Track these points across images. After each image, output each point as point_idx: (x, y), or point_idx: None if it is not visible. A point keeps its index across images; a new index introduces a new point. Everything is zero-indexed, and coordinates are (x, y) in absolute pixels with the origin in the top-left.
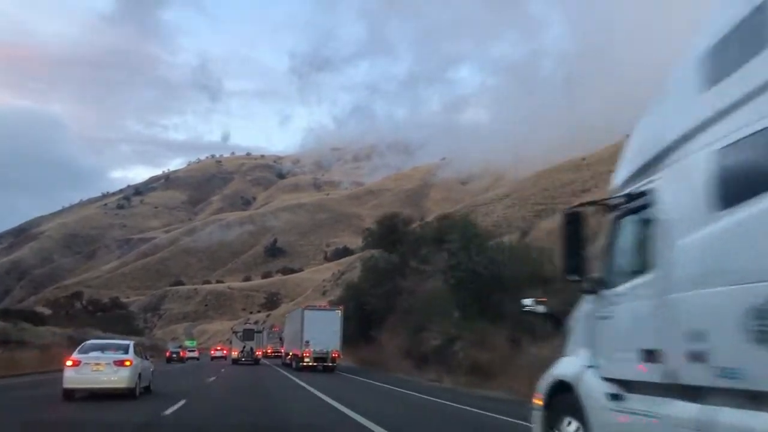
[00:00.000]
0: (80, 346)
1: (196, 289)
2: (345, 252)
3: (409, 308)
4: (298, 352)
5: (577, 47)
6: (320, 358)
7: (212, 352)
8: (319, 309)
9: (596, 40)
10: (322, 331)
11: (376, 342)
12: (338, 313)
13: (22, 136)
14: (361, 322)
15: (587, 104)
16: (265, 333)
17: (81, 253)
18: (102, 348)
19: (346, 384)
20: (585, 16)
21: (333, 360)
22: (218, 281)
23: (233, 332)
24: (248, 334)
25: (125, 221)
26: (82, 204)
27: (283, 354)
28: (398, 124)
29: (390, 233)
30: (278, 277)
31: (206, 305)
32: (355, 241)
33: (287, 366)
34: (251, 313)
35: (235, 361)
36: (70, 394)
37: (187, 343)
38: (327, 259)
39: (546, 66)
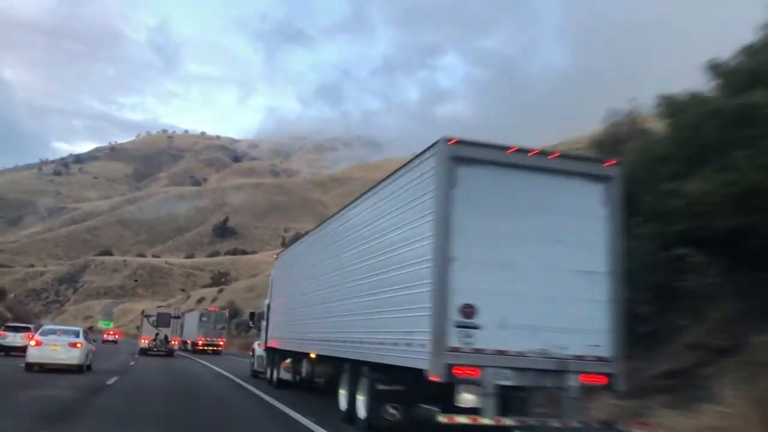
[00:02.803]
0: (40, 330)
1: (125, 261)
2: None
3: None
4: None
5: (572, 43)
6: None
7: (105, 335)
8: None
9: (594, 36)
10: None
11: None
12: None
13: None
14: None
15: (583, 105)
16: (195, 317)
17: (4, 218)
18: (58, 332)
19: None
20: (582, 10)
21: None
22: (154, 256)
23: (144, 316)
24: (163, 319)
25: (60, 188)
26: (17, 169)
27: (256, 354)
28: (368, 114)
29: None
30: (227, 258)
31: (136, 281)
32: None
33: (278, 387)
34: (195, 288)
35: (144, 351)
36: (31, 367)
37: (102, 324)
38: (284, 246)
39: (538, 61)
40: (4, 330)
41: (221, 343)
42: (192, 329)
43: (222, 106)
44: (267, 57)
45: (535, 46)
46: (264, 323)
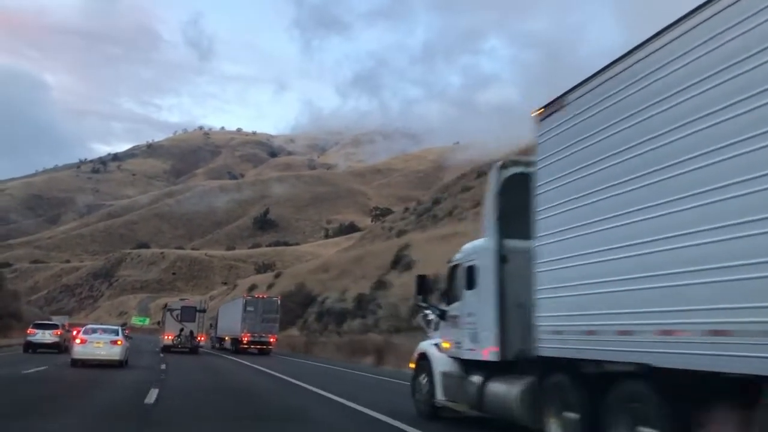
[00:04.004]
0: (84, 329)
1: (162, 253)
2: (351, 229)
3: None
4: None
5: (625, 20)
6: None
7: None
8: None
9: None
10: None
11: None
12: None
13: (11, 100)
14: None
15: None
16: (237, 306)
17: (43, 216)
18: (100, 330)
19: None
20: None
21: None
22: (193, 249)
23: (167, 310)
24: (188, 314)
25: (98, 186)
26: (56, 169)
27: (438, 370)
28: (408, 103)
29: None
30: (271, 248)
31: (174, 273)
32: (363, 220)
33: None
34: (239, 278)
35: (167, 348)
36: (77, 363)
37: (136, 320)
38: (328, 237)
39: (591, 41)
40: (33, 327)
41: (272, 339)
42: (232, 323)
43: (258, 103)
44: (303, 47)
45: (587, 25)
46: (491, 297)
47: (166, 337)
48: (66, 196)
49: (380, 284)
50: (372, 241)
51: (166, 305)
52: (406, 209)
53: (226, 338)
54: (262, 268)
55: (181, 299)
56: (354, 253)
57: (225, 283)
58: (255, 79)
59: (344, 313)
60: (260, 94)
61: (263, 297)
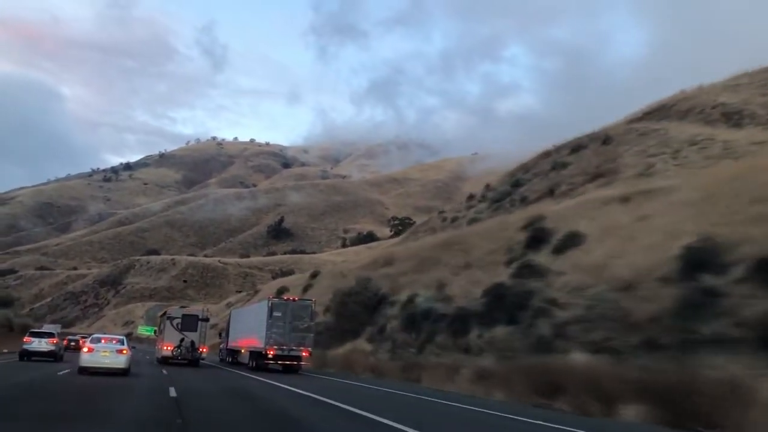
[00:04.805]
0: (90, 338)
1: (173, 259)
2: (369, 238)
3: None
4: None
5: (648, 29)
6: None
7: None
8: None
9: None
10: None
11: None
12: None
13: (27, 111)
14: None
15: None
16: (260, 312)
17: (53, 224)
18: (105, 340)
19: None
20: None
21: None
22: (206, 256)
23: (167, 318)
24: (189, 323)
25: (110, 195)
26: (68, 178)
27: None
28: (424, 113)
29: None
30: (288, 256)
31: (185, 281)
32: (381, 229)
33: None
34: (257, 285)
35: (165, 360)
36: (84, 371)
37: (142, 330)
38: (345, 246)
39: (609, 49)
40: (29, 336)
41: (304, 353)
42: (252, 331)
43: (271, 113)
44: (317, 55)
45: (608, 34)
46: None
47: (164, 347)
48: (77, 204)
49: (527, 270)
50: (434, 233)
51: (164, 313)
52: (471, 197)
53: (243, 350)
54: (281, 275)
55: (182, 306)
56: (430, 241)
57: (240, 291)
58: (268, 91)
59: (464, 316)
60: (274, 105)
61: (293, 299)
